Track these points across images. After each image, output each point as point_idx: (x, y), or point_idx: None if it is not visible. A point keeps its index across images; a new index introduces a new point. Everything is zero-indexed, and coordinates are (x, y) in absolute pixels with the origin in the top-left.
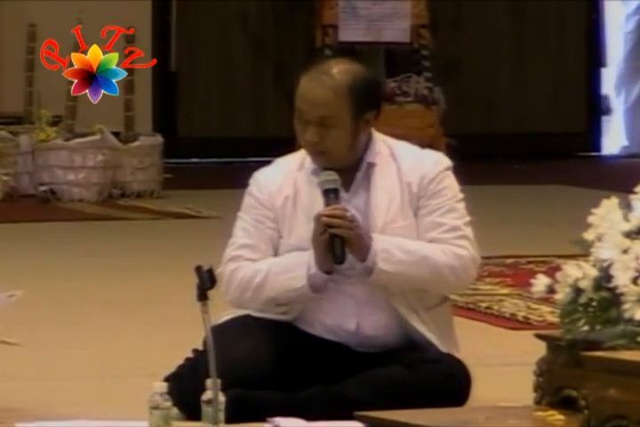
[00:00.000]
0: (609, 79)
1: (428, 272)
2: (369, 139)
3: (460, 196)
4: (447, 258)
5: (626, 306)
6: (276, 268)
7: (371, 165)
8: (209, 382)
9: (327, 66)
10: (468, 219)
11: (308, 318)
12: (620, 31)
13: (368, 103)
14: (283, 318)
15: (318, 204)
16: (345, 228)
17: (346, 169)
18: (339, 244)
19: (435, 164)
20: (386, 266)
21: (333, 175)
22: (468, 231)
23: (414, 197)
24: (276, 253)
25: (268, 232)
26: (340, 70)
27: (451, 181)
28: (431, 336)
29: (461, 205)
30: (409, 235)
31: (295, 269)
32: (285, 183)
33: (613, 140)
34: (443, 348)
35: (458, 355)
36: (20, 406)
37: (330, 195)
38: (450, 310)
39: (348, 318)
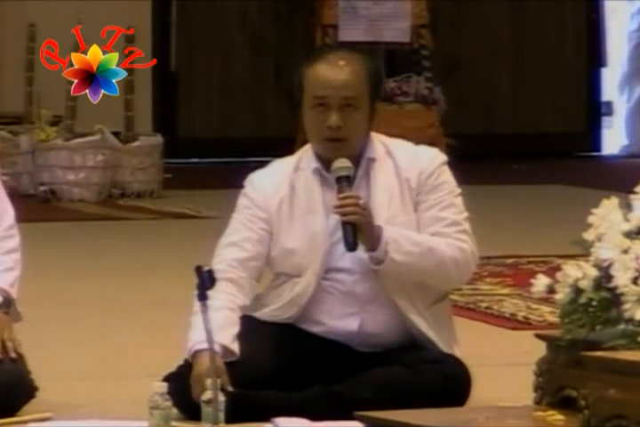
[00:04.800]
0: (609, 79)
1: (433, 264)
2: (367, 136)
3: (458, 191)
4: (451, 251)
5: (626, 306)
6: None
7: (370, 161)
8: (209, 382)
9: (335, 53)
10: (466, 214)
11: (309, 318)
12: (621, 31)
13: (378, 89)
14: (283, 319)
15: (316, 202)
16: (358, 215)
17: None
18: (351, 231)
19: (432, 159)
20: (396, 256)
21: (347, 163)
22: (467, 226)
23: (413, 193)
24: (269, 257)
25: (259, 232)
26: (350, 56)
27: (448, 176)
28: (431, 333)
29: (459, 200)
30: (410, 230)
31: (192, 337)
32: (281, 185)
33: (613, 140)
34: (443, 346)
35: (457, 351)
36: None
37: (342, 182)
38: (450, 306)
39: (352, 316)
